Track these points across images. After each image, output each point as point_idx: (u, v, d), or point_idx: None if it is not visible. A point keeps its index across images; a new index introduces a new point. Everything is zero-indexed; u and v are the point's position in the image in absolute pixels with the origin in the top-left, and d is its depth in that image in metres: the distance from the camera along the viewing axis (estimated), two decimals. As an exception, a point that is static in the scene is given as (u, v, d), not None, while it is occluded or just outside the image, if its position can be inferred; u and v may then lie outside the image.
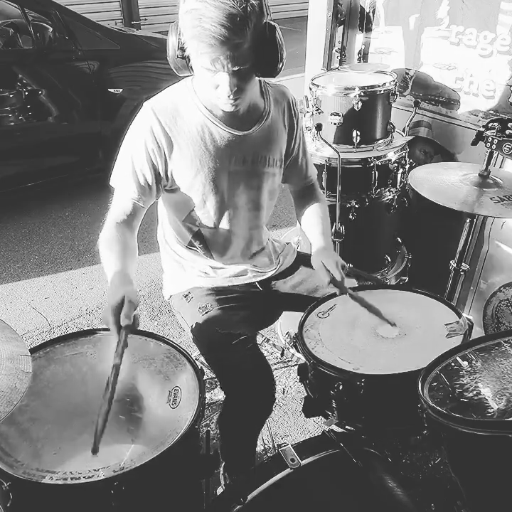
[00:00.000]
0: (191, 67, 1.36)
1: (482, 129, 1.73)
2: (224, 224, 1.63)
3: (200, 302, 1.64)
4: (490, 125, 1.72)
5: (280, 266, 1.81)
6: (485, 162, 1.73)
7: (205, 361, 1.64)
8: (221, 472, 1.73)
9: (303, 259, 1.84)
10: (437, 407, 1.05)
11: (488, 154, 1.72)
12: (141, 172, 1.48)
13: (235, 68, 1.28)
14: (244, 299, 1.71)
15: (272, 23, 1.31)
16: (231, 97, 1.35)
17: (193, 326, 1.60)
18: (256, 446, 1.68)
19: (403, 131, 2.42)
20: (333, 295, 1.63)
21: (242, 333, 1.51)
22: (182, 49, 1.33)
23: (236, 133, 1.51)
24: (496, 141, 1.67)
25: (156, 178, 1.50)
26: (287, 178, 1.77)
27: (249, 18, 1.23)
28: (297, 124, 1.66)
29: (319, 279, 1.71)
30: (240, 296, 1.71)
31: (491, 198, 1.66)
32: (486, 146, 1.71)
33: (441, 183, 1.75)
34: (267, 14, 1.29)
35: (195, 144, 1.48)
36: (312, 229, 1.71)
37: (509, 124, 1.70)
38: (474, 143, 1.77)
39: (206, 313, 1.60)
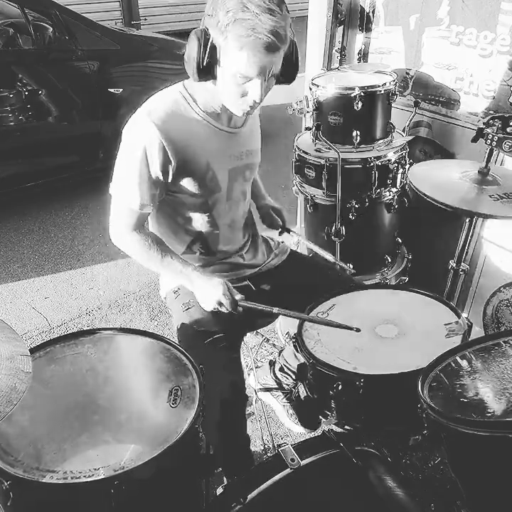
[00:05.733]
0: (215, 74, 1.35)
1: (483, 126, 1.73)
2: (224, 219, 1.66)
3: (185, 298, 1.65)
4: (491, 122, 1.71)
5: (272, 261, 1.83)
6: (485, 159, 1.72)
7: None
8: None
9: (297, 258, 1.88)
10: (437, 407, 1.05)
11: (488, 151, 1.71)
12: (149, 183, 1.46)
13: (273, 75, 1.34)
14: None
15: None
16: (258, 101, 1.37)
17: (178, 323, 1.62)
18: (248, 444, 1.67)
19: (403, 131, 2.42)
20: (333, 295, 1.63)
21: (217, 332, 1.52)
22: (212, 57, 1.31)
23: (232, 130, 1.55)
24: (496, 138, 1.67)
25: (162, 188, 1.51)
26: None
27: (289, 27, 1.29)
28: None
29: (314, 276, 1.72)
30: None
31: (490, 196, 1.66)
32: (486, 143, 1.70)
33: (441, 180, 1.75)
34: None
35: (197, 150, 1.49)
36: (257, 195, 1.92)
37: (511, 122, 1.69)
38: (474, 139, 1.76)
39: (187, 309, 1.62)
